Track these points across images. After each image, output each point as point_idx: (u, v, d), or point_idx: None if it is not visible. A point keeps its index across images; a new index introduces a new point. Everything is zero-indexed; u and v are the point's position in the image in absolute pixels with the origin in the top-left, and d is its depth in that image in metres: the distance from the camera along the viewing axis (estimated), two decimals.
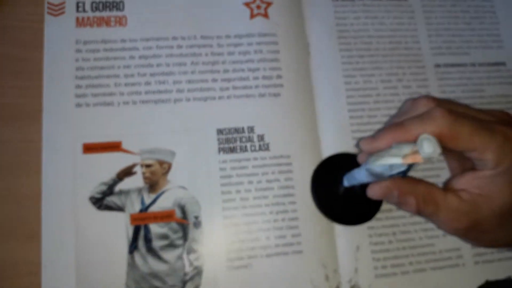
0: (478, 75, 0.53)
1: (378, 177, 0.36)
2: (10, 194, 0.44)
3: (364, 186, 0.39)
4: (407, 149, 0.32)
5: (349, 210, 0.46)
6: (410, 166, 0.32)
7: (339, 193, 0.45)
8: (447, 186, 0.38)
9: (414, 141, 0.33)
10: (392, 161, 0.32)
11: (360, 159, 0.41)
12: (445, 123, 0.33)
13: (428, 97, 0.37)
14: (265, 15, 0.52)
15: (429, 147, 0.31)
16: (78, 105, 0.47)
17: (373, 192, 0.37)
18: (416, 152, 0.32)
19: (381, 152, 0.34)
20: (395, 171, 0.33)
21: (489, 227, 0.36)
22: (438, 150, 0.31)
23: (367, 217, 0.46)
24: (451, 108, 0.35)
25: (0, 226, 0.44)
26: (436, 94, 0.52)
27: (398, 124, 0.35)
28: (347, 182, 0.43)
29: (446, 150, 0.35)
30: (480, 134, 0.33)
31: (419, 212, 0.37)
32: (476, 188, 0.35)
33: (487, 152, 0.34)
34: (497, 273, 0.47)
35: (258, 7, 0.52)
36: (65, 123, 0.46)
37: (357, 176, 0.40)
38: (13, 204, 0.44)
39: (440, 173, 0.49)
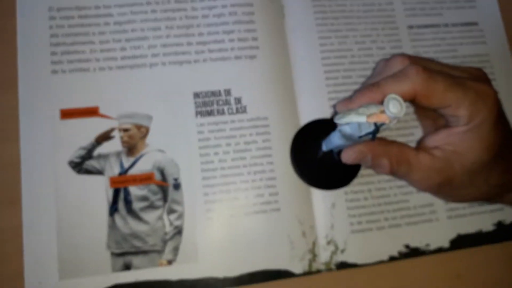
0: (451, 36, 0.54)
1: (350, 139, 0.36)
2: None
3: (342, 151, 0.39)
4: (374, 109, 0.32)
5: (328, 175, 0.46)
6: (378, 127, 0.32)
7: (318, 158, 0.45)
8: (420, 145, 0.38)
9: None
10: (357, 119, 0.32)
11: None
12: (420, 80, 0.33)
13: (403, 55, 0.37)
14: None
15: (394, 106, 0.31)
16: (54, 71, 0.46)
17: (347, 156, 0.37)
18: (383, 112, 0.32)
19: (349, 110, 0.34)
20: (364, 131, 0.33)
21: (460, 182, 0.36)
22: (403, 110, 0.31)
23: (345, 182, 0.46)
24: (425, 65, 0.35)
25: None
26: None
27: (374, 85, 0.35)
28: (325, 146, 0.43)
29: (421, 107, 0.35)
30: (454, 90, 0.34)
31: (392, 173, 0.37)
32: (450, 144, 0.36)
33: (461, 108, 0.34)
34: (469, 227, 0.49)
35: None
36: (42, 90, 0.46)
37: (332, 140, 0.40)
38: None
39: (414, 132, 0.50)
